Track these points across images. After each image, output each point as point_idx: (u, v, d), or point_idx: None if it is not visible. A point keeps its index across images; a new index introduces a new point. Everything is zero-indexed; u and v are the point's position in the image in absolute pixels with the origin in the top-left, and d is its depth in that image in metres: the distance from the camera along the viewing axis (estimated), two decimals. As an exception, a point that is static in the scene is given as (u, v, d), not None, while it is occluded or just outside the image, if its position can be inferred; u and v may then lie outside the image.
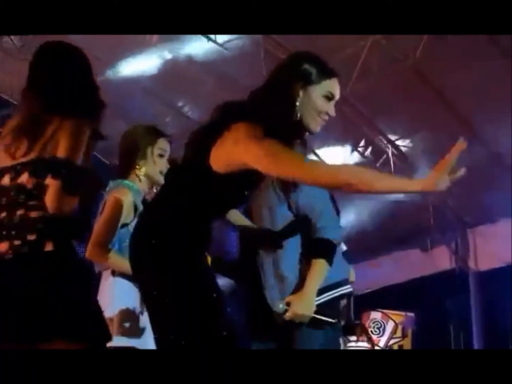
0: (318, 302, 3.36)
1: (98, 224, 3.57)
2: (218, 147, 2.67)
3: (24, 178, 2.73)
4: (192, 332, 2.60)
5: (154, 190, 3.75)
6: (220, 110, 2.78)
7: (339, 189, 2.58)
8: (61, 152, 2.68)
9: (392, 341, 8.95)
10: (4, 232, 2.69)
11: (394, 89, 7.57)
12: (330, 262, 3.38)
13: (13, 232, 2.68)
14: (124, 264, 3.14)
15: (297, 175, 2.58)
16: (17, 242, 2.66)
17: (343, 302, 3.49)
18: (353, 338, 7.74)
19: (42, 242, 2.65)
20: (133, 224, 3.44)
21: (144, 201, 3.68)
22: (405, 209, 8.57)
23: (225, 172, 2.66)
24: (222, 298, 2.71)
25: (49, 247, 2.65)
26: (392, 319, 9.04)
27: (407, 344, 8.99)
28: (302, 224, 3.40)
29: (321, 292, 3.38)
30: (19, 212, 2.70)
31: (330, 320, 3.38)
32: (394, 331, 9.01)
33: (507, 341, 8.22)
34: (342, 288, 3.47)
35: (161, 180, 3.67)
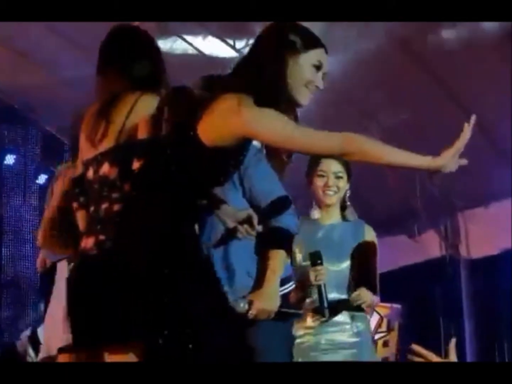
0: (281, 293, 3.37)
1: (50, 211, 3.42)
2: (206, 119, 2.66)
3: (105, 168, 2.77)
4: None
5: None
6: (205, 82, 2.77)
7: (341, 156, 2.66)
8: (142, 132, 2.70)
9: (377, 336, 8.60)
10: (91, 227, 2.76)
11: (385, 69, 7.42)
12: (288, 252, 3.38)
13: (98, 227, 2.73)
14: None
15: (294, 142, 2.62)
16: (101, 237, 2.70)
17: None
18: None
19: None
20: None
21: None
22: (389, 190, 8.35)
23: (214, 145, 2.65)
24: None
25: None
26: (377, 312, 8.59)
27: (393, 339, 8.79)
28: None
29: (282, 283, 3.36)
30: (104, 205, 2.75)
31: (296, 311, 3.48)
32: (379, 325, 8.77)
33: (501, 336, 8.13)
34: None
35: None
